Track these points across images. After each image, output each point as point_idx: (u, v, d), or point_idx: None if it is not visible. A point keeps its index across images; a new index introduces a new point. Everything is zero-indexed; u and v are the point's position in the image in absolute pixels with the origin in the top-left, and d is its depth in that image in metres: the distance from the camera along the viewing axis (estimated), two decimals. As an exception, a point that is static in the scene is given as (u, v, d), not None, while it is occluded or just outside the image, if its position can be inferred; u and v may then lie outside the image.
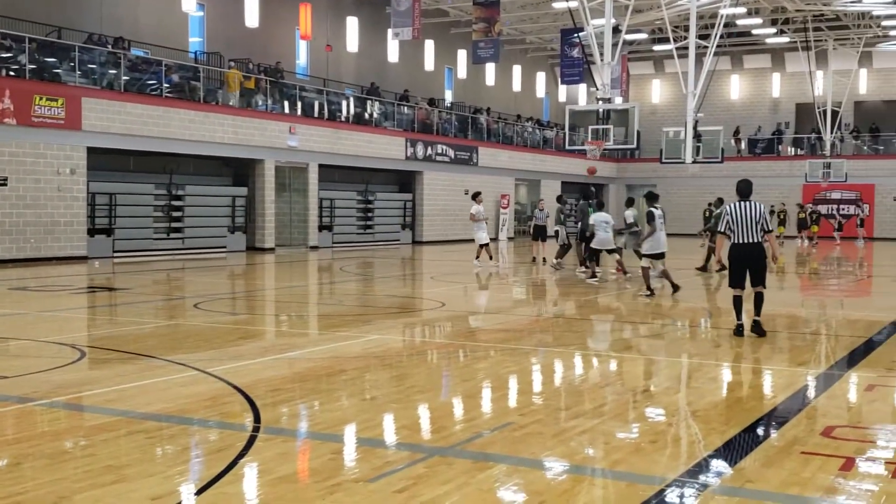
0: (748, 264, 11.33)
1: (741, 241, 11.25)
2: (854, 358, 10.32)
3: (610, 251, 20.12)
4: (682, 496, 5.26)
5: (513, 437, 6.52)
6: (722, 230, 11.58)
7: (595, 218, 19.44)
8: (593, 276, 19.73)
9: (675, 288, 16.82)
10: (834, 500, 5.15)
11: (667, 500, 5.17)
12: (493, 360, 9.98)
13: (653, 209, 17.21)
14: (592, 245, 19.80)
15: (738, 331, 11.41)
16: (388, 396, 8.06)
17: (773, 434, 6.76)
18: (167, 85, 27.87)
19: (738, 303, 11.50)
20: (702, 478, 5.62)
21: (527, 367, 9.70)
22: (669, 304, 15.64)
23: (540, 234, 26.22)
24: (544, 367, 9.88)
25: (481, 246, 23.44)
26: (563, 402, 7.98)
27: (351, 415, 7.36)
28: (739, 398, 8.28)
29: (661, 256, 17.36)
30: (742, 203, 11.36)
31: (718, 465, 5.92)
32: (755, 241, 11.20)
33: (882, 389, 8.46)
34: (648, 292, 16.53)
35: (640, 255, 17.78)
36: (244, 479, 5.59)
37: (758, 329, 11.38)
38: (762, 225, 11.22)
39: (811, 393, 8.47)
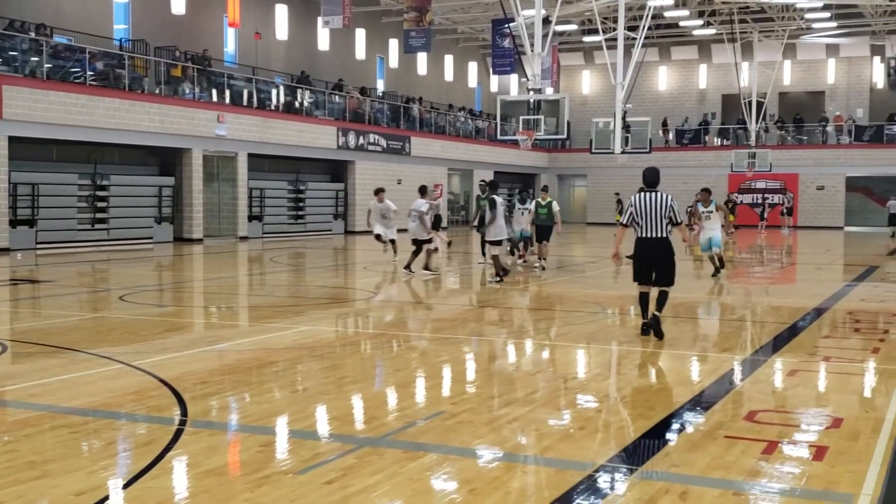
0: (653, 260, 10.40)
1: (645, 235, 10.35)
2: (778, 344, 10.55)
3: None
4: (610, 481, 5.33)
5: (444, 426, 6.53)
6: (624, 222, 10.66)
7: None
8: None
9: (502, 275, 17.21)
10: (757, 482, 5.26)
11: (596, 484, 5.23)
12: (425, 350, 9.98)
13: (495, 197, 17.70)
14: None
15: (645, 330, 10.52)
16: (319, 388, 8.02)
17: (699, 419, 6.88)
18: (91, 73, 27.25)
19: (643, 300, 10.57)
20: (630, 462, 5.70)
21: (459, 356, 9.72)
22: (509, 291, 15.81)
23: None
24: (476, 356, 9.92)
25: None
26: (494, 391, 8.02)
27: (281, 407, 7.30)
28: (666, 384, 8.41)
29: (499, 243, 17.62)
30: (648, 194, 10.41)
31: (645, 449, 6.00)
32: (661, 235, 10.29)
33: (804, 374, 8.67)
34: (498, 278, 17.09)
35: (490, 243, 17.88)
36: (171, 472, 5.51)
37: (656, 328, 10.31)
38: (671, 217, 10.30)
39: (736, 378, 8.64)
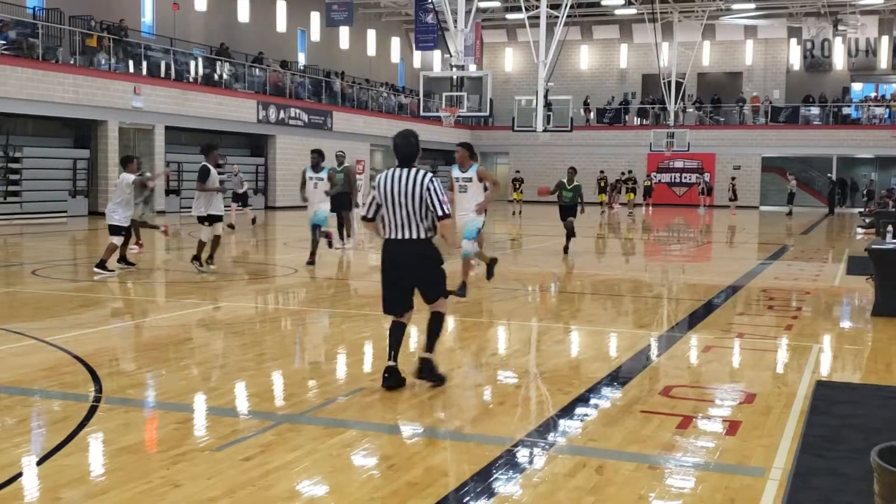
0: (404, 273, 6.94)
1: (392, 237, 6.93)
2: (693, 320, 10.77)
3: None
4: (529, 455, 5.38)
5: (364, 403, 6.52)
6: (369, 215, 7.09)
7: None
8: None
9: (202, 268, 14.27)
10: (672, 456, 5.37)
11: (516, 459, 5.29)
12: (347, 327, 9.94)
13: (206, 164, 14.36)
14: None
15: (387, 380, 6.81)
16: (238, 364, 7.93)
17: (616, 394, 6.99)
18: (3, 42, 26.39)
19: (394, 332, 7.00)
20: (548, 437, 5.77)
21: (380, 332, 9.69)
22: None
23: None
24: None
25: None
26: (414, 368, 8.02)
27: (198, 384, 7.21)
28: (584, 360, 8.52)
29: (204, 221, 14.38)
30: (398, 172, 6.90)
31: (564, 424, 6.08)
32: (414, 236, 6.85)
33: (719, 350, 8.87)
34: (199, 265, 14.32)
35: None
36: (86, 449, 5.40)
37: (428, 372, 6.92)
38: (428, 207, 6.79)
39: (652, 354, 8.80)
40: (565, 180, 19.28)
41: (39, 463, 5.08)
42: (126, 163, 14.94)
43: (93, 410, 6.14)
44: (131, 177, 14.48)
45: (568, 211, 19.29)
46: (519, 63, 57.59)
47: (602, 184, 40.69)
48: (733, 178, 45.34)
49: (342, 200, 18.65)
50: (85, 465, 5.16)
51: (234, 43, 38.77)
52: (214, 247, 14.64)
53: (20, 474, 4.91)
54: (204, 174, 14.25)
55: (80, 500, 4.52)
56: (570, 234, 19.09)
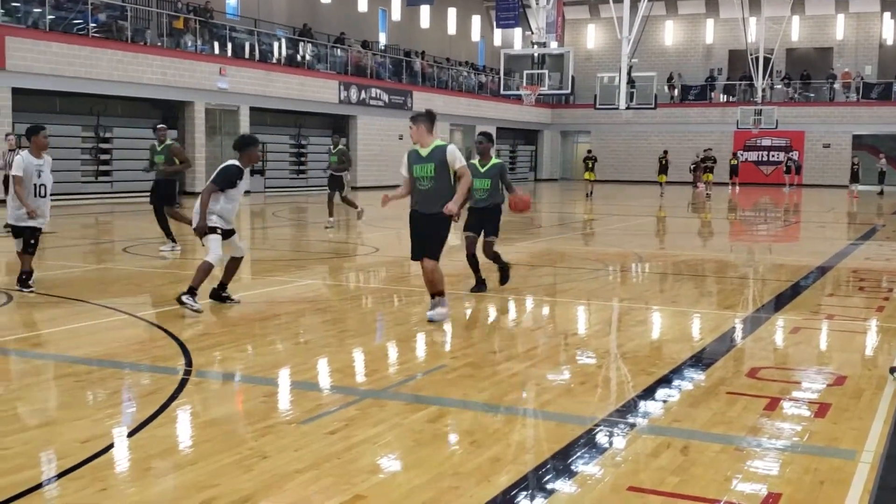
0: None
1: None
2: (780, 301, 10.56)
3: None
4: (611, 435, 5.35)
5: (445, 380, 6.56)
6: None
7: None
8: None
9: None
10: (759, 439, 5.29)
11: (597, 438, 5.26)
12: (427, 305, 9.99)
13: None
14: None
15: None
16: (321, 341, 8.04)
17: (700, 375, 6.90)
18: (94, 24, 27.05)
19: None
20: (630, 417, 5.72)
21: (460, 311, 9.73)
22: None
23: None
24: (477, 311, 9.93)
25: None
26: (495, 346, 8.05)
27: (283, 359, 7.34)
28: (667, 340, 8.43)
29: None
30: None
31: (646, 405, 6.02)
32: None
33: (807, 332, 8.68)
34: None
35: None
36: (175, 421, 5.54)
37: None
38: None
39: (738, 335, 8.66)
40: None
41: (131, 434, 5.24)
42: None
43: (183, 383, 6.30)
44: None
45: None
46: (601, 39, 56.89)
47: (663, 162, 37.82)
48: (790, 155, 44.04)
49: (335, 181, 19.49)
50: (175, 436, 5.30)
51: (317, 23, 39.11)
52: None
53: (112, 445, 5.07)
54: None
55: (170, 470, 4.65)
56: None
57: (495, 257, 10.68)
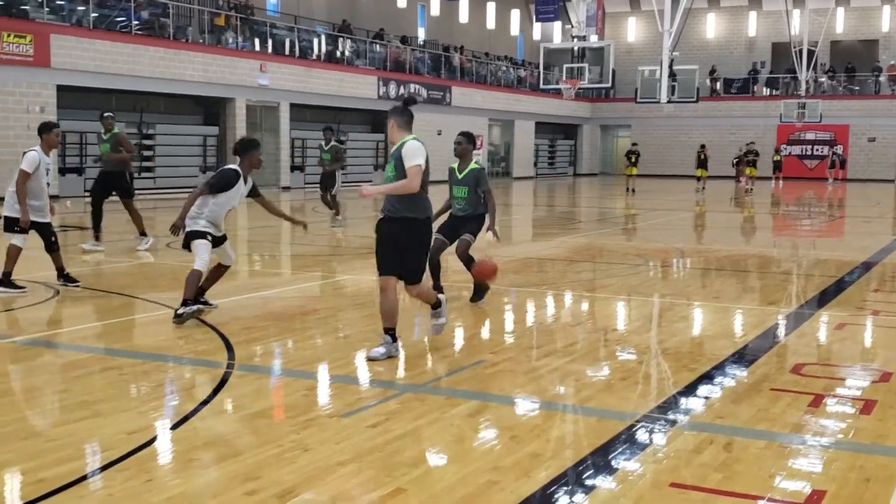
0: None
1: None
2: (825, 297, 10.43)
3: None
4: (651, 431, 5.32)
5: (485, 375, 6.56)
6: None
7: None
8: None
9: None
10: (803, 436, 5.23)
11: (638, 434, 5.24)
12: (465, 300, 9.99)
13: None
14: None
15: None
16: (361, 335, 8.07)
17: (743, 371, 6.84)
18: (136, 22, 27.36)
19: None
20: (671, 414, 5.68)
21: (499, 306, 9.73)
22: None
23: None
24: (516, 306, 9.92)
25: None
26: (534, 341, 8.03)
27: (324, 353, 7.38)
28: (709, 336, 8.36)
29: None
30: None
31: (688, 401, 5.98)
32: None
33: (852, 328, 8.57)
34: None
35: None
36: (219, 414, 5.60)
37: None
38: None
39: (781, 331, 8.56)
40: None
41: (175, 426, 5.30)
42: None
43: (226, 377, 6.36)
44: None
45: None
46: (642, 32, 56.46)
47: (701, 157, 36.83)
48: (834, 149, 43.32)
49: (328, 179, 18.97)
50: (218, 428, 5.35)
51: (356, 19, 39.22)
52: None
53: (156, 437, 5.14)
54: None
55: (213, 462, 4.69)
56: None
57: (468, 260, 9.45)
